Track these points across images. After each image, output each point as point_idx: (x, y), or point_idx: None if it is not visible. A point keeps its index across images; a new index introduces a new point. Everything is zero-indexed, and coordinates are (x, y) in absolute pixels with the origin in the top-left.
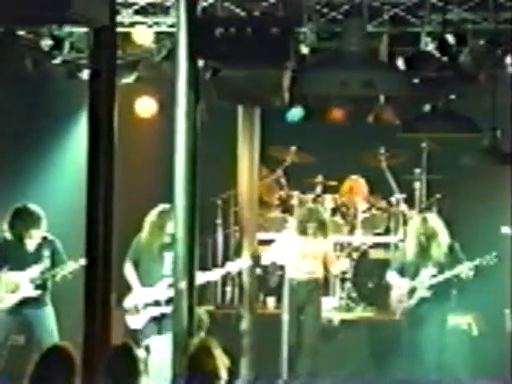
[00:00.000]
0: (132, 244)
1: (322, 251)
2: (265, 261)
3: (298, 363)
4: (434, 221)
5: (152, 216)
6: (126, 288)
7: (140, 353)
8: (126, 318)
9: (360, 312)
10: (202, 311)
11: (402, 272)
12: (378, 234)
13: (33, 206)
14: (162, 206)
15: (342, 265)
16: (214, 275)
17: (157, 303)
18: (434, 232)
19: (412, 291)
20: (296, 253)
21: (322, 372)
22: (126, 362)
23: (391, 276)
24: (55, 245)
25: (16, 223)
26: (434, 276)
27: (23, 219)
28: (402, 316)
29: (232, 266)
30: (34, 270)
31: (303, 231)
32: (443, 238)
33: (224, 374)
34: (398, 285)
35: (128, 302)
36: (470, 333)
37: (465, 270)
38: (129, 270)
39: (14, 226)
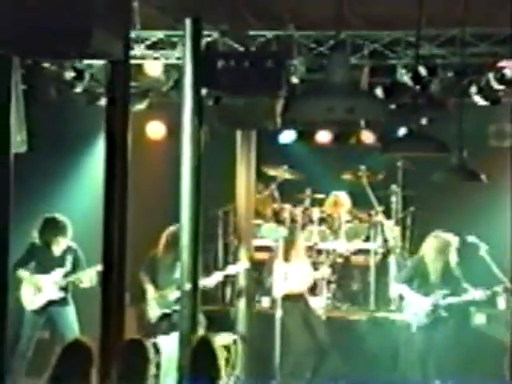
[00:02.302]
0: (148, 256)
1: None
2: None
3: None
4: (450, 238)
5: (168, 233)
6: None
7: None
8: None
9: (344, 311)
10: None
11: (410, 285)
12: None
13: (61, 217)
14: (177, 225)
15: (323, 273)
16: (217, 277)
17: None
18: (449, 248)
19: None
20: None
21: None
22: (137, 354)
23: (404, 290)
24: (77, 252)
25: (45, 231)
26: (447, 295)
27: (52, 228)
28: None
29: (232, 269)
30: (57, 274)
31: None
32: (454, 250)
33: (223, 365)
34: (417, 301)
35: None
36: None
37: (478, 295)
38: (143, 277)
39: (43, 233)
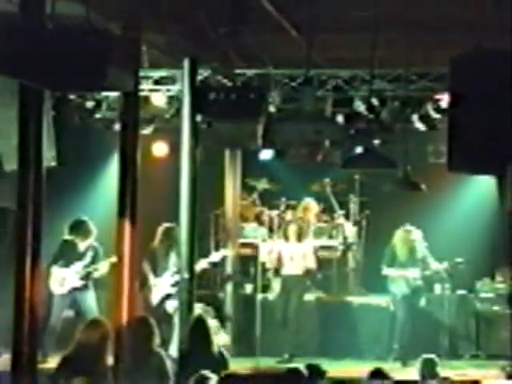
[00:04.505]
0: (148, 249)
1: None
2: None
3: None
4: (414, 231)
5: (162, 229)
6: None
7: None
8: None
9: (314, 295)
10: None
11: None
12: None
13: (87, 220)
14: (167, 224)
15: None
16: (203, 264)
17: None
18: (415, 239)
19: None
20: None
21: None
22: (143, 329)
23: (390, 271)
24: (97, 249)
25: (74, 230)
26: (423, 270)
27: (79, 228)
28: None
29: (215, 256)
30: (79, 265)
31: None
32: (419, 242)
33: (215, 339)
34: (404, 274)
35: (147, 291)
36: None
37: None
38: (145, 266)
39: (72, 231)
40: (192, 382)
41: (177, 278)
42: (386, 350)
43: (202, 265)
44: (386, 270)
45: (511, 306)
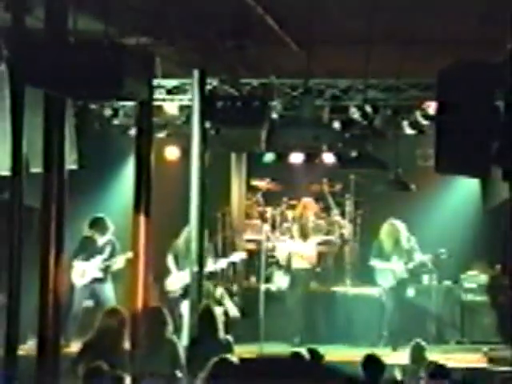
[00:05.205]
0: (172, 244)
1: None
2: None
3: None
4: (399, 224)
5: (185, 231)
6: (161, 271)
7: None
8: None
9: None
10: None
11: (379, 258)
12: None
13: (105, 217)
14: (189, 227)
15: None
16: (223, 264)
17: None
18: (399, 231)
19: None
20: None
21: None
22: (157, 318)
23: (377, 263)
24: (115, 244)
25: (93, 226)
26: (406, 263)
27: (98, 224)
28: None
29: (234, 257)
30: (98, 259)
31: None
32: (404, 234)
33: (221, 327)
34: (390, 266)
35: (169, 281)
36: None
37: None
38: (169, 260)
39: (91, 228)
40: (211, 366)
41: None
42: (378, 337)
43: (221, 264)
44: (373, 261)
45: (490, 296)
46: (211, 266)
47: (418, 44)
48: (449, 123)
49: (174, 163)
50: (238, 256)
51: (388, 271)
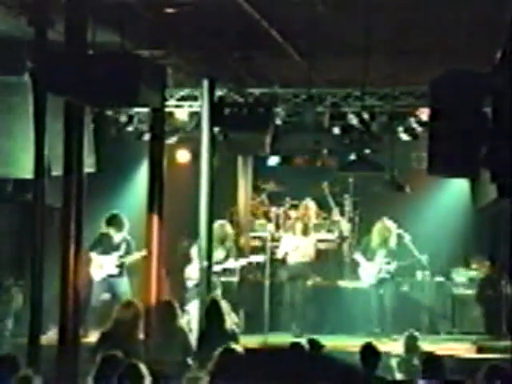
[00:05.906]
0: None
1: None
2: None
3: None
4: (390, 224)
5: (215, 225)
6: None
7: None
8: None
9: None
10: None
11: (365, 254)
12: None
13: (122, 215)
14: (220, 221)
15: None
16: (243, 262)
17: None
18: (390, 231)
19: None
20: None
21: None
22: (168, 311)
23: (359, 258)
24: (130, 242)
25: (110, 223)
26: (388, 263)
27: (115, 221)
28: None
29: (253, 258)
30: (114, 256)
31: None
32: (394, 233)
33: (227, 318)
34: (366, 266)
35: (189, 269)
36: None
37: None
38: (193, 251)
39: (109, 224)
40: (218, 354)
41: (226, 265)
42: (374, 327)
43: (241, 263)
44: (356, 255)
45: (481, 290)
46: (232, 263)
47: (412, 55)
48: (441, 128)
49: (184, 166)
50: (258, 257)
51: (369, 268)
